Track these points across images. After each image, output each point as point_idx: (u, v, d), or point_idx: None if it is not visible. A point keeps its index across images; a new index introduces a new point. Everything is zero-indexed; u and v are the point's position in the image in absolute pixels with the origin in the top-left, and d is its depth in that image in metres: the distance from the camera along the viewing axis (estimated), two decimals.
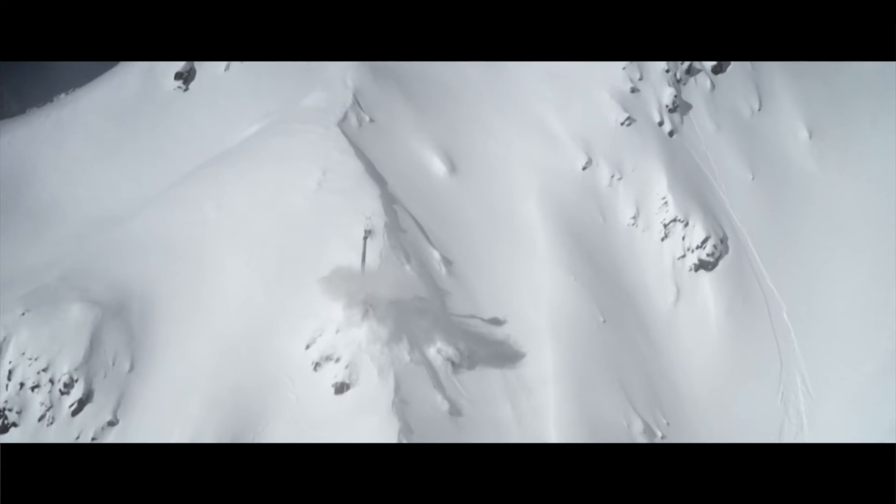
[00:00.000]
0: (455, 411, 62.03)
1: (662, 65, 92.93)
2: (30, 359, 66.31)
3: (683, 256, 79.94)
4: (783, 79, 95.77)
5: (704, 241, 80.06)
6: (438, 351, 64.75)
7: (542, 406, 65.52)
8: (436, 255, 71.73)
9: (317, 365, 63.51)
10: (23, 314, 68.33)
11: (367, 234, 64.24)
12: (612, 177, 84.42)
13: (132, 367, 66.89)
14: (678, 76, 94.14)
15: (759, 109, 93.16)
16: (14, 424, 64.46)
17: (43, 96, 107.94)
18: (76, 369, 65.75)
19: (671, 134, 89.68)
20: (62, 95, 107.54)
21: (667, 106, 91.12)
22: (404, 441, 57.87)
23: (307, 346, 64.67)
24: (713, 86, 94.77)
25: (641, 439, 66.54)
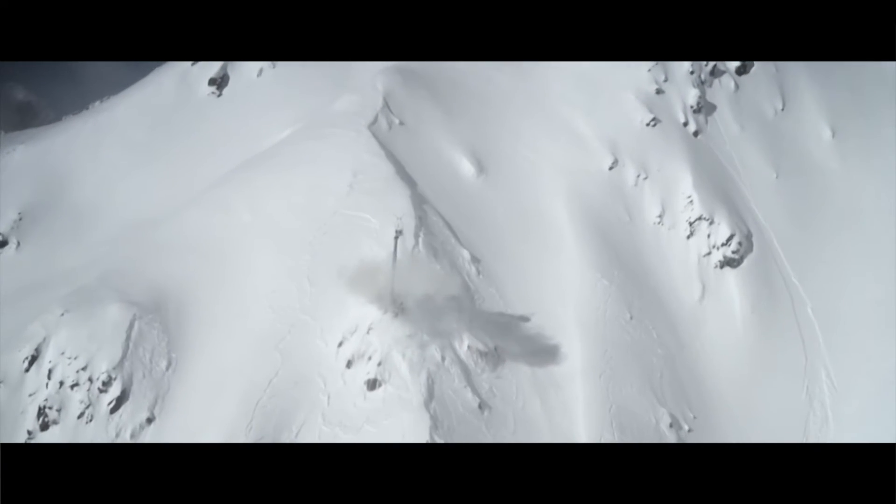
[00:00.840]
0: (485, 407, 62.17)
1: (687, 66, 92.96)
2: (69, 358, 66.86)
3: (709, 254, 79.69)
4: (806, 79, 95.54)
5: (729, 239, 79.79)
6: (469, 347, 64.82)
7: (570, 401, 65.51)
8: (465, 254, 71.78)
9: (349, 363, 63.58)
10: (62, 315, 69.12)
11: (398, 234, 64.28)
12: (639, 176, 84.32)
13: (169, 366, 67.26)
14: (703, 77, 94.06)
15: (783, 109, 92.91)
16: (54, 422, 64.97)
17: (78, 104, 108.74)
18: (114, 368, 66.20)
19: (696, 134, 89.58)
20: (97, 103, 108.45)
21: (691, 107, 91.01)
22: (437, 438, 58.08)
23: (340, 345, 64.81)
24: (737, 87, 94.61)
25: (669, 433, 66.43)
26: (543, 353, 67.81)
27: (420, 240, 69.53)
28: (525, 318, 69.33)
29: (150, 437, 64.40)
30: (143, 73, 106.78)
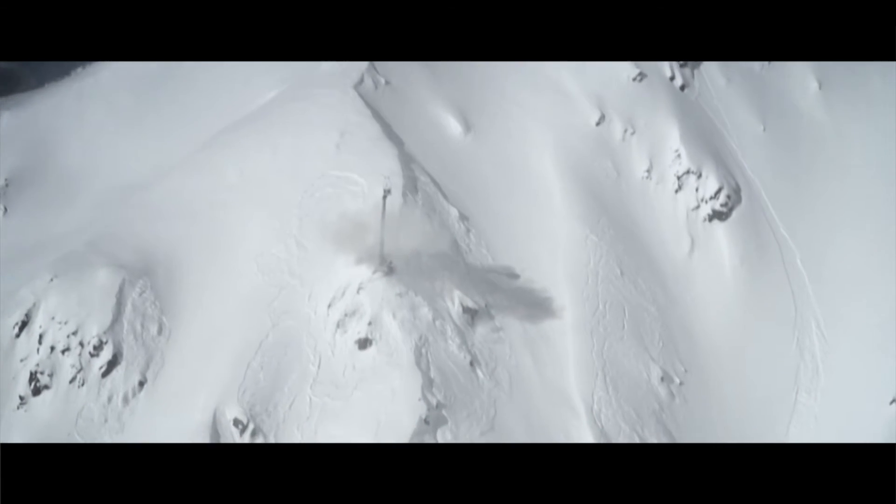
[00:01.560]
0: (476, 363, 62.04)
1: None
2: (59, 323, 66.31)
3: (697, 207, 79.31)
4: None
5: (718, 192, 79.41)
6: (459, 305, 64.63)
7: (562, 357, 65.48)
8: (454, 211, 71.38)
9: (340, 322, 63.45)
10: (51, 280, 68.40)
11: (387, 193, 63.76)
12: (626, 131, 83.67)
13: (159, 329, 66.83)
14: None
15: (769, 63, 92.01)
16: (46, 387, 64.56)
17: (60, 70, 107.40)
18: (105, 332, 65.67)
19: (682, 88, 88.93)
20: (80, 69, 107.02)
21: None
22: (429, 396, 57.91)
23: (329, 305, 64.58)
24: None
25: (660, 388, 66.41)
26: (534, 309, 67.66)
27: (408, 199, 68.98)
28: (515, 275, 69.10)
29: (143, 399, 63.92)
30: None
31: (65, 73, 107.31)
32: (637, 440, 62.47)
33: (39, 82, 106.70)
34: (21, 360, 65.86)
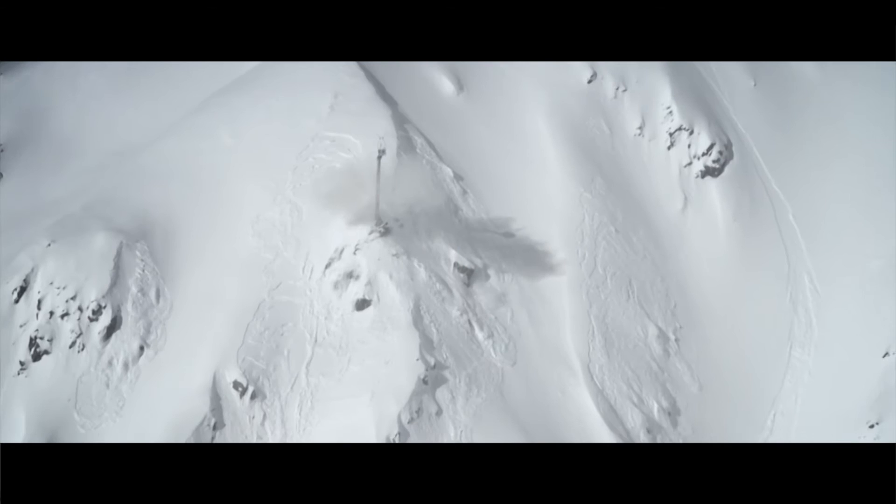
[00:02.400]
0: (474, 323, 61.99)
1: None
2: (58, 288, 66.08)
3: (690, 164, 78.98)
4: None
5: (710, 148, 79.03)
6: (455, 265, 64.58)
7: (558, 314, 65.51)
8: (448, 171, 71.17)
9: (337, 283, 63.56)
10: (49, 245, 68.19)
11: (381, 153, 63.57)
12: (618, 89, 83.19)
13: (158, 293, 66.59)
14: None
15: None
16: (46, 352, 64.31)
17: None
18: (103, 296, 65.41)
19: None
20: None
21: None
22: (427, 356, 57.81)
23: (327, 266, 64.60)
24: None
25: (656, 345, 66.40)
26: (529, 268, 67.69)
27: (403, 159, 68.66)
28: (510, 234, 68.95)
29: (144, 363, 63.68)
30: None
31: None
32: (634, 398, 62.46)
33: None
34: (20, 326, 65.68)
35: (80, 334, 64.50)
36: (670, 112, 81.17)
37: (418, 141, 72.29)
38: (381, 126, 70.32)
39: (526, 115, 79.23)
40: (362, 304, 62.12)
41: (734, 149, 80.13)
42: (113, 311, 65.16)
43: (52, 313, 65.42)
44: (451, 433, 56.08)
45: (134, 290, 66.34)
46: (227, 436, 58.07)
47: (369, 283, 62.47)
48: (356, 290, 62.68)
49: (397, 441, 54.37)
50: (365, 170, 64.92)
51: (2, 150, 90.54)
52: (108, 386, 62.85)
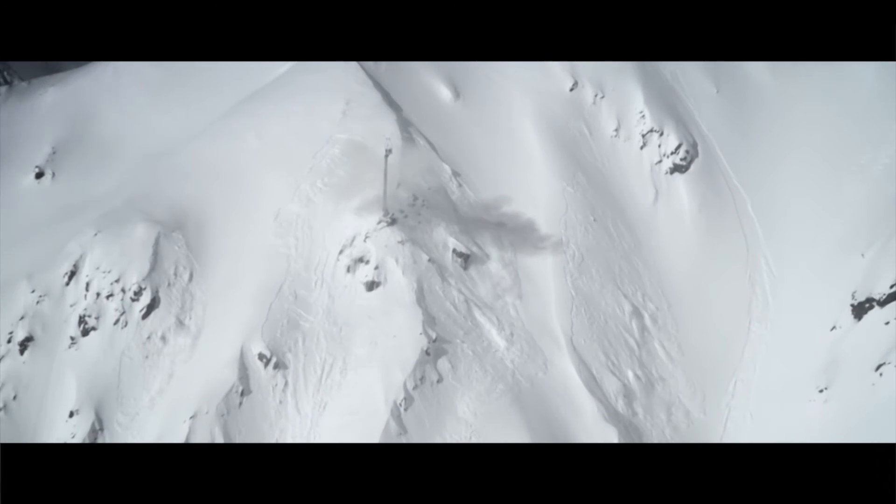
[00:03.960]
0: (470, 301, 62.12)
1: None
2: (103, 272, 66.52)
3: (660, 161, 78.81)
4: None
5: (678, 148, 78.85)
6: (453, 251, 64.68)
7: (544, 293, 65.35)
8: (447, 168, 71.04)
9: (349, 267, 63.79)
10: (95, 234, 68.87)
11: (388, 152, 64.01)
12: (596, 96, 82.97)
13: (191, 276, 66.85)
14: None
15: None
16: (93, 329, 64.85)
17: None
18: (143, 279, 65.75)
19: None
20: None
21: None
22: (429, 331, 57.80)
23: (340, 252, 64.69)
24: None
25: (633, 321, 66.49)
26: (518, 253, 67.84)
27: (406, 157, 68.52)
28: (501, 223, 69.07)
29: (181, 338, 64.05)
30: None
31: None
32: (612, 367, 62.45)
33: (77, 65, 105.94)
34: (71, 306, 66.37)
35: (123, 313, 64.83)
36: (643, 116, 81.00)
37: (420, 142, 72.14)
38: (387, 128, 70.49)
39: (515, 119, 79.14)
40: (371, 286, 62.12)
41: (699, 148, 79.94)
42: (152, 293, 65.39)
43: (98, 294, 65.87)
44: (450, 398, 56.05)
45: (170, 273, 66.55)
46: (255, 401, 58.11)
47: (378, 267, 62.58)
48: (366, 273, 62.76)
49: (403, 405, 54.43)
50: (372, 156, 66.09)
51: (54, 153, 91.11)
52: (146, 357, 62.97)
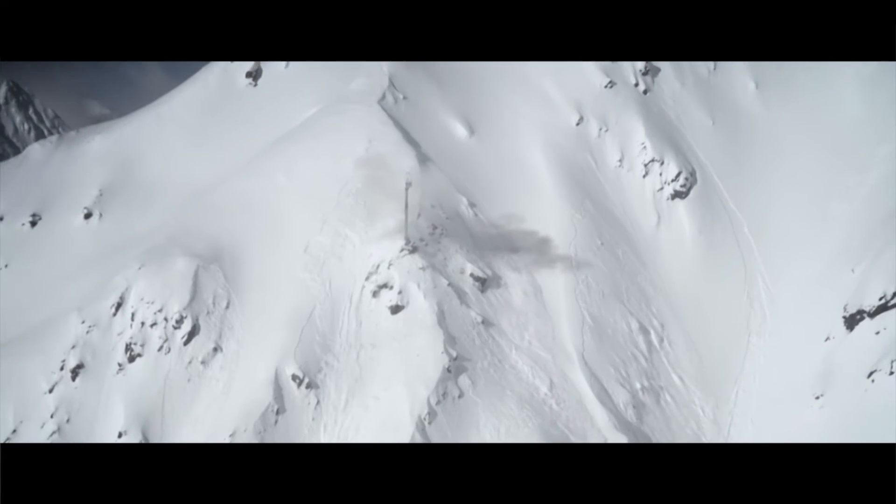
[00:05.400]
0: (487, 321, 62.05)
1: None
2: (147, 303, 67.04)
3: (661, 189, 78.97)
4: None
5: (677, 175, 79.06)
6: (470, 274, 64.79)
7: (555, 312, 65.16)
8: (463, 200, 71.57)
9: (375, 292, 63.74)
10: (139, 268, 69.64)
11: (408, 185, 64.35)
12: (601, 129, 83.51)
13: (228, 304, 67.21)
14: None
15: (714, 69, 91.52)
16: (139, 355, 65.20)
17: (140, 101, 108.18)
18: (184, 309, 66.23)
19: (645, 92, 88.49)
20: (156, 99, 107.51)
21: (640, 70, 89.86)
22: (450, 350, 57.73)
23: (367, 278, 64.76)
24: None
25: (639, 337, 66.24)
26: (531, 275, 67.88)
27: (425, 190, 68.75)
28: (515, 249, 69.20)
29: (218, 363, 64.22)
30: (193, 71, 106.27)
31: (144, 102, 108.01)
32: (621, 380, 62.14)
33: (116, 113, 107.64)
34: (118, 335, 66.86)
35: (166, 340, 65.15)
36: (644, 147, 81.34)
37: (438, 175, 72.51)
38: (407, 163, 70.82)
39: (526, 153, 79.67)
40: (396, 309, 62.08)
41: (698, 175, 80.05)
42: (192, 321, 65.76)
43: (143, 323, 66.34)
44: (472, 412, 55.93)
45: (209, 302, 66.92)
46: (289, 419, 58.15)
47: (401, 292, 62.56)
48: (390, 298, 62.70)
49: (427, 419, 54.32)
50: (393, 190, 66.23)
51: (101, 195, 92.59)
52: (188, 381, 63.23)
